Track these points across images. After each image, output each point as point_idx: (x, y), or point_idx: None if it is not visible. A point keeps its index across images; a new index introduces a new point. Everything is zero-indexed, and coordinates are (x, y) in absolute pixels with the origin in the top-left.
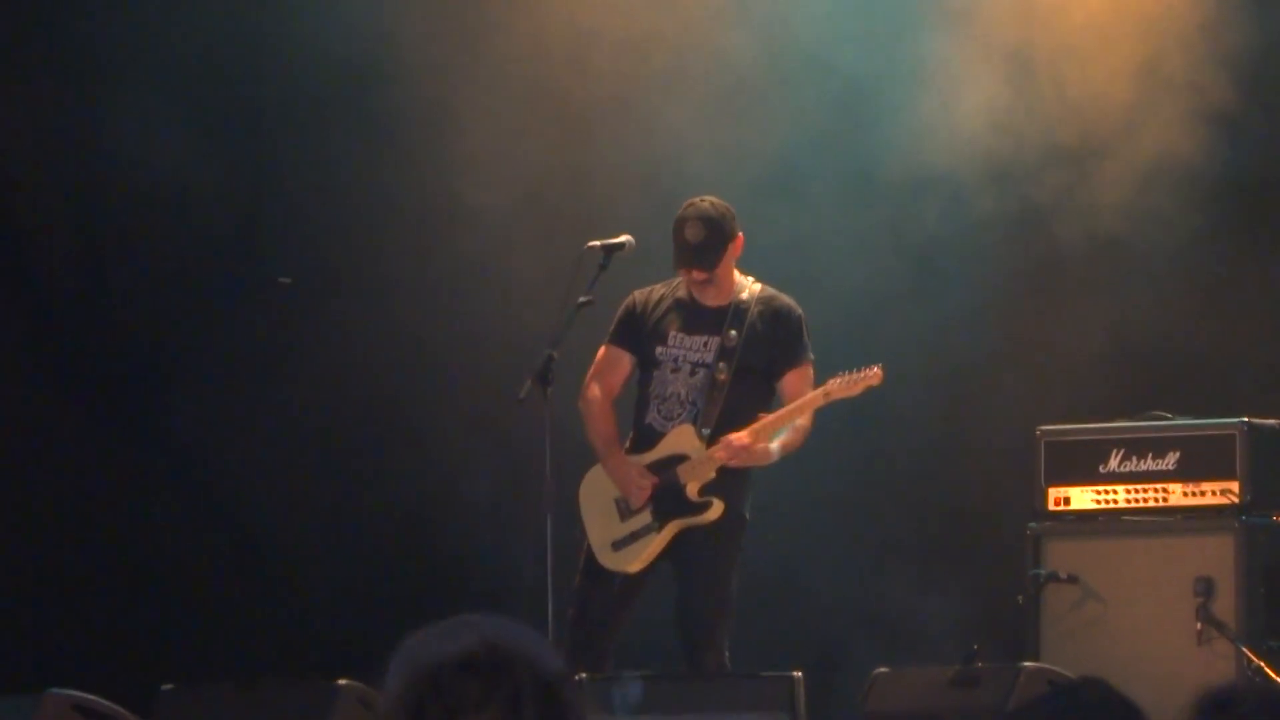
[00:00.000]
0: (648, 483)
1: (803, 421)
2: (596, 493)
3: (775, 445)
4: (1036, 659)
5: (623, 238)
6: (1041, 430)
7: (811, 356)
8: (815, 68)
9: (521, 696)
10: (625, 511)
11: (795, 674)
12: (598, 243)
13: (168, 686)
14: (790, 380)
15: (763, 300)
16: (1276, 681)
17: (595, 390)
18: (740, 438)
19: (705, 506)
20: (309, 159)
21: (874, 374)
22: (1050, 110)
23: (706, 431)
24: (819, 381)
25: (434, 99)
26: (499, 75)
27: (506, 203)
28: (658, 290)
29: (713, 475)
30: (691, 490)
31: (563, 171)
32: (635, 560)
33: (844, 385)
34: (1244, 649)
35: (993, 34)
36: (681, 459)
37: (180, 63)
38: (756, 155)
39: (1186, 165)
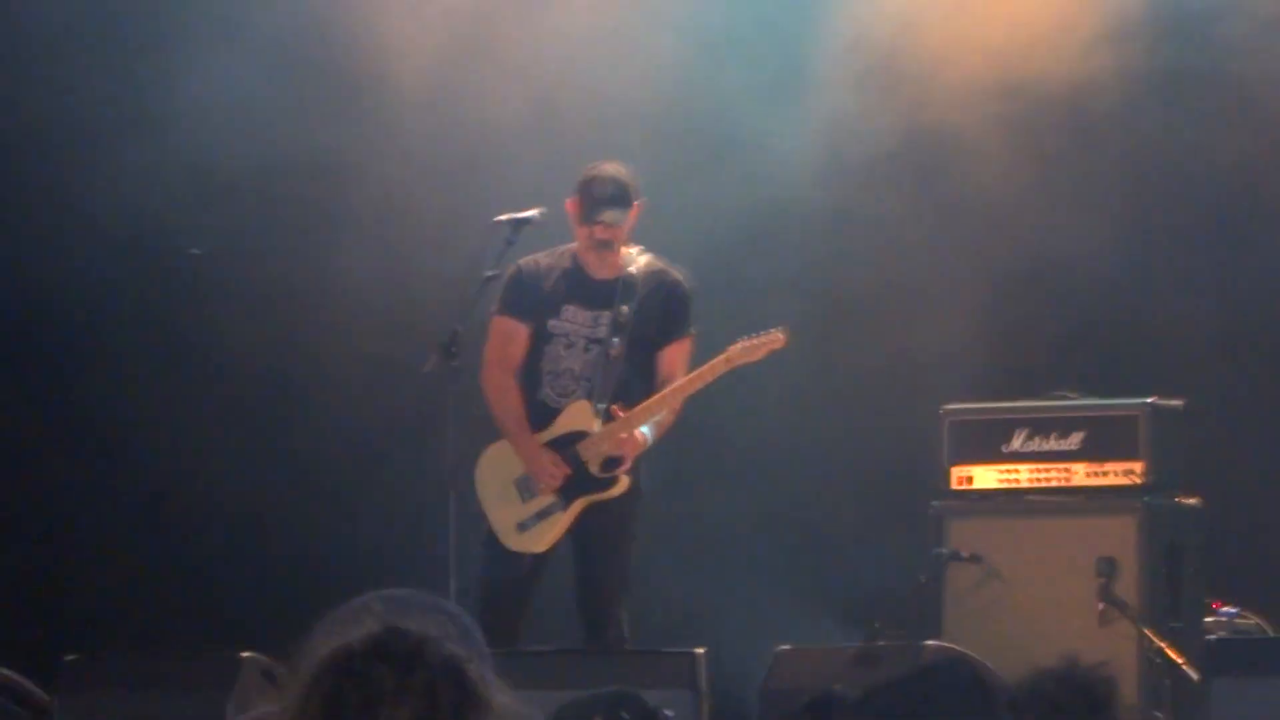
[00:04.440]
0: (561, 471)
1: (674, 405)
2: (494, 474)
3: (649, 430)
4: (939, 638)
5: (531, 211)
6: (945, 409)
7: (693, 331)
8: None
9: (436, 681)
10: (526, 491)
11: (697, 651)
12: (505, 216)
13: (71, 657)
14: (670, 353)
15: (654, 274)
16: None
17: (499, 367)
18: (633, 439)
19: (611, 482)
20: (220, 132)
21: (776, 338)
22: (936, 84)
23: (602, 406)
24: (720, 348)
25: (347, 73)
26: (413, 64)
27: (415, 175)
28: (543, 260)
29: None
30: (594, 467)
31: (469, 142)
32: (542, 540)
33: (746, 350)
34: (1145, 630)
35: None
36: (581, 435)
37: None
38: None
39: (1091, 140)
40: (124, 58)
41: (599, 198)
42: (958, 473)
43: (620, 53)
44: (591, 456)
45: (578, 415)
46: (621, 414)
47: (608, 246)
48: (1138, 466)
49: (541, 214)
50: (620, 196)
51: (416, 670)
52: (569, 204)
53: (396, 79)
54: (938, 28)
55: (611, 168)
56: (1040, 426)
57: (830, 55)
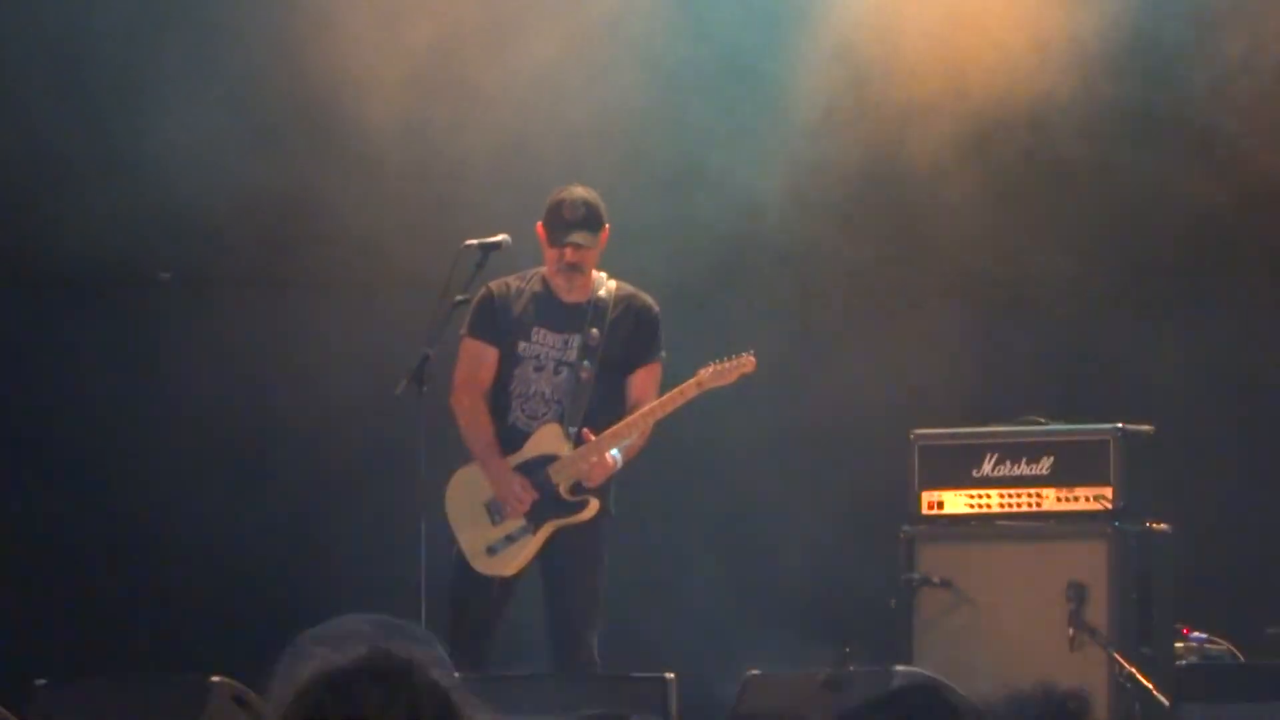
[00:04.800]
0: (529, 496)
1: (645, 428)
2: (464, 496)
3: (619, 454)
4: (909, 663)
5: (499, 236)
6: (915, 434)
7: (663, 355)
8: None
9: (420, 702)
10: (496, 514)
11: (668, 675)
12: (474, 241)
13: (41, 682)
14: (639, 377)
15: (623, 298)
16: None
17: (468, 390)
18: (603, 463)
19: (581, 506)
20: (183, 153)
21: (747, 361)
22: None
23: (573, 430)
24: (690, 372)
25: (312, 100)
26: (377, 84)
27: (385, 208)
28: (513, 283)
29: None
30: (564, 490)
31: (438, 175)
32: (512, 564)
33: (717, 374)
34: (1115, 655)
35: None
36: (551, 459)
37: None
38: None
39: (1057, 169)
40: (92, 93)
41: (569, 220)
42: (928, 497)
43: (588, 85)
44: (561, 480)
45: (548, 438)
46: (591, 437)
47: (577, 269)
48: (1108, 492)
49: (509, 240)
50: (590, 219)
51: (402, 690)
52: (539, 227)
53: (365, 113)
54: (906, 59)
55: (580, 190)
56: (1010, 451)
57: (797, 85)
